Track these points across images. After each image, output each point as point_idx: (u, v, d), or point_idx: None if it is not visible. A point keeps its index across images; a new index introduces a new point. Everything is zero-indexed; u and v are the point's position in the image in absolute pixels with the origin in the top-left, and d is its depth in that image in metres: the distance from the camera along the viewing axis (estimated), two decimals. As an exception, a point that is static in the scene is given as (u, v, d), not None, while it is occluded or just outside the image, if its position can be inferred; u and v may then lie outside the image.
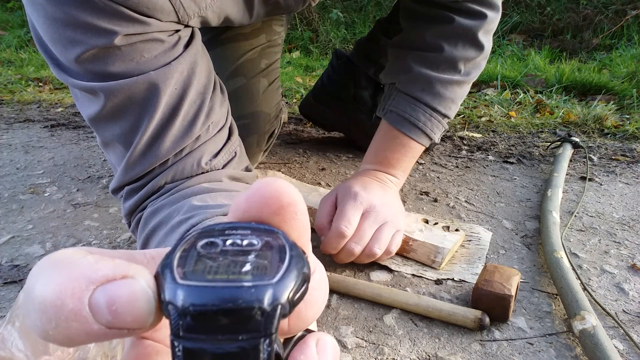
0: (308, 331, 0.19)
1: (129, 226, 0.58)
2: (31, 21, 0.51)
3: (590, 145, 1.37)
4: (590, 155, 1.26)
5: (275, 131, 1.02)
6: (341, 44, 2.75)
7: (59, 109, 1.72)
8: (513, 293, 0.60)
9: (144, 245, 0.54)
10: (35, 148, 1.29)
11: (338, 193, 0.73)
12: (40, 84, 2.12)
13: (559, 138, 1.33)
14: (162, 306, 0.15)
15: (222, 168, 0.57)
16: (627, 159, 1.27)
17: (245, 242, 0.16)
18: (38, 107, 1.75)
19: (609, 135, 1.46)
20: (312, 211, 0.82)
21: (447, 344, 0.58)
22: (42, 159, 1.21)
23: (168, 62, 0.51)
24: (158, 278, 0.16)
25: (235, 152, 0.60)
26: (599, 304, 0.65)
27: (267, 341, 0.14)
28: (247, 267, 0.15)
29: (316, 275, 0.19)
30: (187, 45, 0.54)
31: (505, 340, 0.59)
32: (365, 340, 0.59)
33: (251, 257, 0.16)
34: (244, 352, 0.14)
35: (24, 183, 1.06)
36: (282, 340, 0.19)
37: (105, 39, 0.47)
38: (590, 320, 0.57)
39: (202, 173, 0.55)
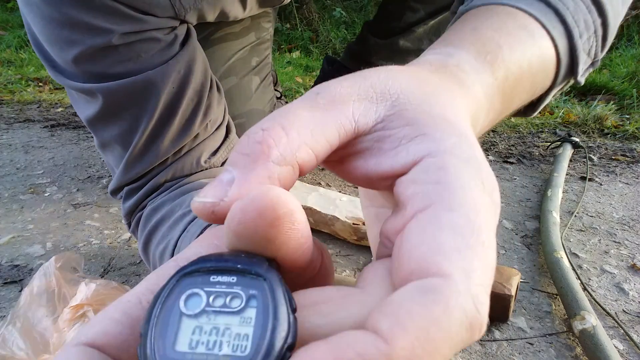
0: None
1: (129, 227, 0.58)
2: (27, 22, 0.50)
3: (590, 145, 1.37)
4: (590, 155, 1.26)
5: None
6: (341, 44, 2.75)
7: (59, 109, 1.72)
8: (513, 293, 0.60)
9: (147, 243, 0.54)
10: (35, 148, 1.29)
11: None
12: (40, 84, 2.12)
13: (559, 138, 1.33)
14: None
15: (221, 166, 0.57)
16: (627, 159, 1.27)
17: (229, 299, 0.16)
18: (38, 107, 1.75)
19: (609, 135, 1.46)
20: (311, 212, 0.82)
21: (447, 344, 0.58)
22: (42, 159, 1.21)
23: (165, 61, 0.51)
24: (140, 342, 0.15)
25: None
26: (599, 304, 0.65)
27: None
28: (227, 349, 0.15)
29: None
30: (184, 43, 0.54)
31: (505, 340, 0.59)
32: (365, 340, 0.59)
33: (235, 329, 0.15)
34: None
35: (24, 183, 1.06)
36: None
37: (103, 39, 0.47)
38: (590, 320, 0.57)
39: (201, 171, 0.56)
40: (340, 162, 0.22)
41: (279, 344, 0.15)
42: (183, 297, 0.16)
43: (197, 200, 0.18)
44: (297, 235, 0.17)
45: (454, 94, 0.25)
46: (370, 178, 0.21)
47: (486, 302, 0.16)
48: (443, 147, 0.19)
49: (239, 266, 0.16)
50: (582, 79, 0.40)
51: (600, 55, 0.41)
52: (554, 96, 0.42)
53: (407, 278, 0.16)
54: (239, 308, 0.15)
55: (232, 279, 0.16)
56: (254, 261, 0.17)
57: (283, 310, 0.15)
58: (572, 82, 0.42)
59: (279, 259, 0.17)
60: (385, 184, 0.21)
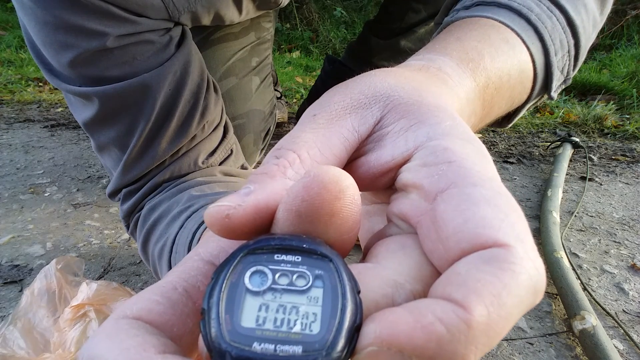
0: None
1: (128, 228, 0.58)
2: (23, 25, 0.50)
3: (590, 145, 1.37)
4: (590, 155, 1.26)
5: (271, 128, 1.02)
6: (341, 44, 2.75)
7: (59, 109, 1.72)
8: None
9: (145, 242, 0.54)
10: (35, 148, 1.29)
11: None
12: (40, 84, 2.12)
13: (559, 138, 1.33)
14: (208, 351, 0.15)
15: (219, 166, 0.58)
16: (627, 159, 1.27)
17: (295, 277, 0.16)
18: (38, 107, 1.75)
19: (609, 135, 1.46)
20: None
21: (447, 344, 0.58)
22: (42, 159, 1.21)
23: (161, 63, 0.51)
24: (204, 317, 0.15)
25: (231, 150, 0.60)
26: (599, 304, 0.65)
27: None
28: (297, 326, 0.15)
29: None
30: (179, 45, 0.54)
31: (505, 340, 0.59)
32: (366, 340, 0.59)
33: (302, 307, 0.15)
34: None
35: (24, 183, 1.06)
36: None
37: (97, 42, 0.47)
38: (590, 320, 0.57)
39: (199, 170, 0.56)
40: (345, 167, 0.23)
41: (348, 324, 0.15)
42: (247, 274, 0.16)
43: (211, 207, 0.18)
44: (356, 211, 0.17)
45: (440, 89, 0.26)
46: (374, 174, 0.22)
47: (542, 264, 0.16)
48: (440, 130, 0.20)
49: (304, 245, 0.16)
50: (554, 94, 0.43)
51: (572, 74, 0.44)
52: (527, 109, 0.44)
53: (462, 253, 0.16)
54: (305, 287, 0.15)
55: (297, 258, 0.16)
56: (318, 242, 0.17)
57: (350, 291, 0.15)
58: (545, 98, 0.44)
59: (333, 240, 0.17)
60: (387, 177, 0.22)
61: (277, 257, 0.16)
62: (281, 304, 0.15)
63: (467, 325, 0.14)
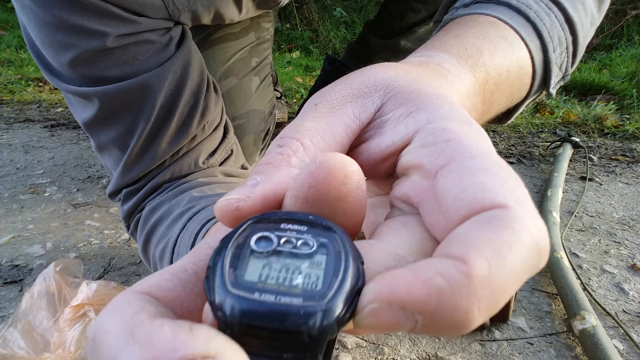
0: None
1: (128, 229, 0.58)
2: (23, 25, 0.50)
3: (590, 145, 1.37)
4: (590, 155, 1.26)
5: (271, 128, 1.02)
6: (341, 44, 2.75)
7: (59, 109, 1.72)
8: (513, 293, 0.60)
9: (146, 243, 0.54)
10: (35, 148, 1.29)
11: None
12: (40, 84, 2.12)
13: (559, 138, 1.33)
14: (210, 305, 0.15)
15: (219, 166, 0.57)
16: (627, 159, 1.27)
17: (300, 243, 0.16)
18: (38, 107, 1.75)
19: (609, 135, 1.46)
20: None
21: (447, 344, 0.58)
22: (42, 159, 1.21)
23: (161, 63, 0.51)
24: (208, 274, 0.16)
25: (232, 150, 0.60)
26: (599, 304, 0.65)
27: None
28: (299, 280, 0.15)
29: None
30: (179, 44, 0.54)
31: (505, 340, 0.59)
32: (365, 340, 0.59)
33: (304, 265, 0.15)
34: None
35: (24, 183, 1.06)
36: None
37: (97, 42, 0.47)
38: (590, 320, 0.57)
39: (199, 171, 0.56)
40: (347, 154, 0.23)
41: (350, 285, 0.15)
42: (254, 238, 0.16)
43: (220, 200, 0.18)
44: (362, 196, 0.18)
45: (439, 82, 0.27)
46: (375, 160, 0.22)
47: (544, 225, 0.16)
48: (439, 114, 0.21)
49: (310, 217, 0.17)
50: (553, 91, 0.43)
51: (570, 70, 0.45)
52: (526, 106, 0.44)
53: (463, 219, 0.16)
54: (309, 252, 0.16)
55: (303, 227, 0.17)
56: (324, 218, 0.17)
57: (353, 259, 0.16)
58: (543, 94, 0.44)
59: (340, 225, 0.17)
60: (388, 163, 0.22)
61: (283, 226, 0.17)
62: (285, 265, 0.15)
63: (467, 277, 0.14)
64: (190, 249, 0.45)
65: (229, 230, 0.18)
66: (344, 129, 0.22)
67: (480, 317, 0.14)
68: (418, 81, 0.24)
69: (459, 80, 0.29)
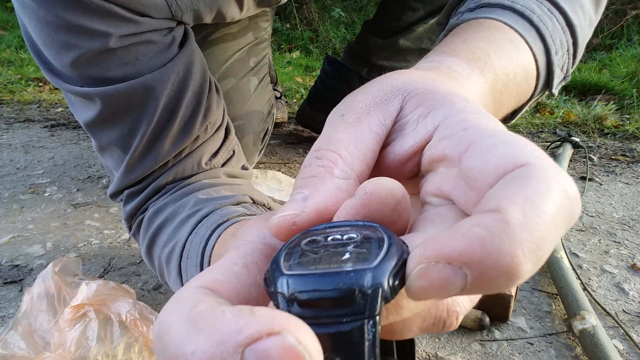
0: None
1: (130, 230, 0.58)
2: (23, 24, 0.50)
3: (590, 145, 1.37)
4: (590, 155, 1.26)
5: (269, 128, 1.02)
6: (341, 44, 2.75)
7: (59, 109, 1.72)
8: (513, 293, 0.60)
9: (150, 245, 0.54)
10: (35, 148, 1.29)
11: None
12: (40, 84, 2.12)
13: (559, 138, 1.33)
14: (272, 298, 0.16)
15: (222, 167, 0.57)
16: (627, 159, 1.27)
17: (345, 237, 0.17)
18: (38, 107, 1.75)
19: (609, 135, 1.46)
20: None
21: (447, 344, 0.58)
22: (42, 159, 1.21)
23: (163, 64, 0.51)
24: (267, 274, 0.17)
25: (234, 151, 0.60)
26: (599, 304, 0.65)
27: (371, 322, 0.15)
28: (347, 255, 0.16)
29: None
30: (182, 45, 0.53)
31: (505, 340, 0.59)
32: (366, 340, 0.59)
33: (350, 247, 0.17)
34: (349, 334, 0.15)
35: (24, 183, 1.06)
36: None
37: (100, 42, 0.46)
38: (590, 320, 0.57)
39: (202, 172, 0.55)
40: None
41: (397, 255, 0.16)
42: (305, 241, 0.18)
43: (275, 217, 0.20)
44: (408, 213, 0.19)
45: (451, 83, 0.28)
46: (400, 161, 0.23)
47: (569, 176, 0.17)
48: (455, 109, 0.22)
49: (352, 222, 0.19)
50: (555, 91, 0.45)
51: (570, 71, 0.47)
52: (529, 106, 0.47)
53: (490, 187, 0.17)
54: (355, 240, 0.17)
55: (347, 228, 0.18)
56: (363, 221, 0.19)
57: (396, 238, 0.17)
58: (545, 94, 0.46)
59: None
60: (413, 162, 0.23)
61: (329, 230, 0.18)
62: (334, 252, 0.17)
63: (504, 222, 0.14)
64: (202, 253, 0.46)
65: (252, 228, 0.20)
66: (373, 137, 0.23)
67: (527, 261, 0.14)
68: (432, 83, 0.25)
69: (469, 82, 0.31)
